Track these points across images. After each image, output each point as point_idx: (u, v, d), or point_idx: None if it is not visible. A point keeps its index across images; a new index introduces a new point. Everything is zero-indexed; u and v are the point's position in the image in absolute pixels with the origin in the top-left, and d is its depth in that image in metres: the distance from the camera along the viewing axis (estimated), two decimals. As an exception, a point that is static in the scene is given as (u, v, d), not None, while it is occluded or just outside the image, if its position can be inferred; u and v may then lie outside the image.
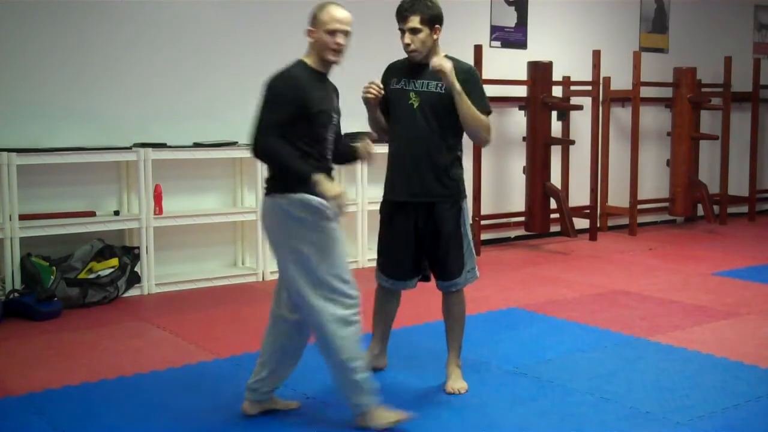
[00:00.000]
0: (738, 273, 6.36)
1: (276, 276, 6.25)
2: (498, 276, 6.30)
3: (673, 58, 8.75)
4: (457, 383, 3.76)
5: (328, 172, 3.32)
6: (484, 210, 7.33)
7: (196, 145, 5.71)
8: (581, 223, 7.85)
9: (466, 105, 3.58)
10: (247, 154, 5.94)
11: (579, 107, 7.53)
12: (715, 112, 8.90)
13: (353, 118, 6.66)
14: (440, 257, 3.71)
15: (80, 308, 5.17)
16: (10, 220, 5.15)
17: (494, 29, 7.58)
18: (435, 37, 3.62)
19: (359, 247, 6.51)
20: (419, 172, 3.66)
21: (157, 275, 5.70)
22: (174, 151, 5.65)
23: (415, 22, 3.57)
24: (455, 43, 6.92)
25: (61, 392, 3.73)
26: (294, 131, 3.20)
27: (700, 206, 8.64)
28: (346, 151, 3.59)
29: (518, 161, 7.63)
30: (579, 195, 8.06)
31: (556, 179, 7.74)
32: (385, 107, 3.82)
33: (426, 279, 3.88)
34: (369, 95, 3.71)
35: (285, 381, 3.53)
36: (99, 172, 5.62)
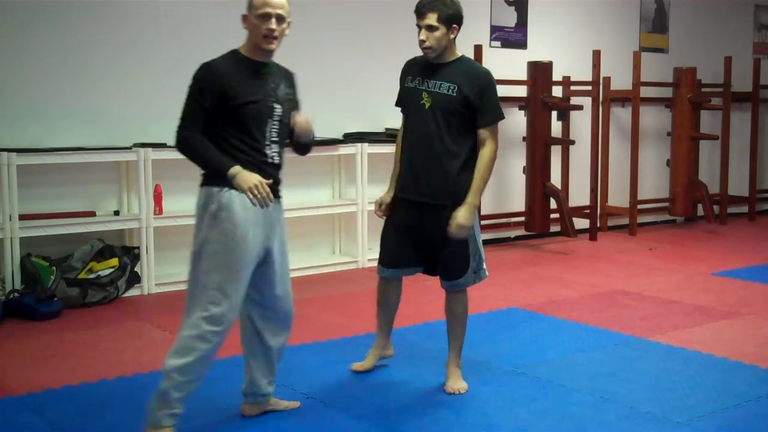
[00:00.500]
0: (738, 273, 6.36)
1: (276, 276, 6.26)
2: (498, 276, 6.30)
3: (673, 58, 8.75)
4: (457, 383, 3.76)
5: (260, 165, 3.14)
6: (484, 210, 7.33)
7: (196, 145, 5.71)
8: (581, 223, 7.85)
9: (476, 186, 3.60)
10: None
11: (579, 107, 7.53)
12: (715, 112, 8.90)
13: (361, 119, 6.73)
14: (444, 257, 3.70)
15: (80, 308, 5.17)
16: (10, 220, 5.15)
17: (494, 29, 7.58)
18: (452, 36, 3.59)
19: (359, 247, 6.51)
20: (427, 173, 3.64)
21: (157, 275, 5.70)
22: (174, 151, 5.56)
23: (432, 19, 3.54)
24: (455, 43, 6.94)
25: (61, 392, 3.74)
26: (220, 124, 3.09)
27: (700, 206, 8.64)
28: (294, 140, 3.40)
29: (518, 161, 7.63)
30: (579, 195, 8.06)
31: (556, 179, 7.74)
32: (401, 104, 3.82)
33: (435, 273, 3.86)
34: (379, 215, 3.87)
35: (277, 381, 3.50)
36: (99, 172, 5.62)
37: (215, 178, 3.09)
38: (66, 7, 5.50)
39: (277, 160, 3.22)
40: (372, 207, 6.43)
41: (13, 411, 3.53)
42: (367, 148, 6.49)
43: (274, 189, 3.18)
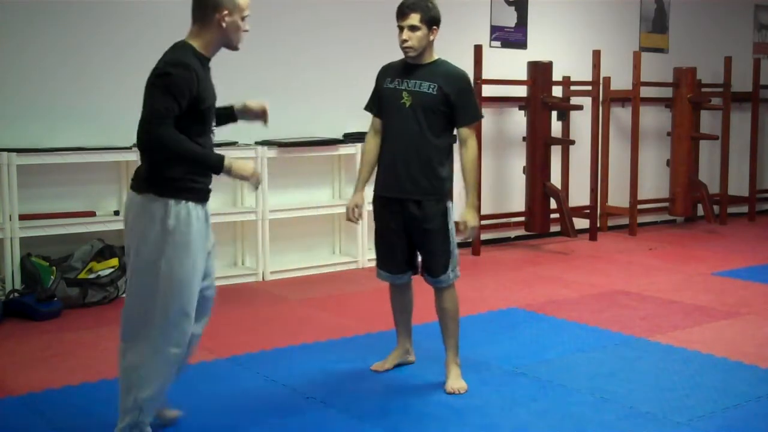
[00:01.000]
0: (738, 273, 6.36)
1: (276, 276, 6.28)
2: (498, 276, 6.30)
3: (673, 58, 8.75)
4: (456, 383, 3.77)
5: (209, 179, 3.12)
6: (484, 210, 7.33)
7: (196, 145, 5.71)
8: (581, 223, 7.85)
9: (473, 187, 3.78)
10: (248, 153, 5.98)
11: (579, 107, 7.53)
12: (715, 112, 8.89)
13: (361, 119, 6.67)
14: (427, 253, 3.79)
15: (80, 308, 5.17)
16: (10, 220, 5.15)
17: (494, 29, 7.58)
18: (431, 38, 3.68)
19: (359, 247, 6.50)
20: (408, 170, 3.71)
21: (157, 275, 5.69)
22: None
23: (414, 19, 3.62)
24: (455, 43, 6.96)
25: (61, 392, 3.74)
26: (184, 125, 2.95)
27: (700, 206, 8.63)
28: (222, 118, 3.31)
29: (518, 161, 7.62)
30: (579, 195, 8.05)
31: (556, 179, 7.74)
32: (380, 107, 3.87)
33: (417, 272, 3.96)
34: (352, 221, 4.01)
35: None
36: (99, 172, 5.62)
37: (169, 188, 2.95)
38: (66, 7, 5.50)
39: None
40: (372, 207, 6.50)
41: (13, 411, 3.53)
42: (367, 148, 6.48)
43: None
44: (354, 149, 6.47)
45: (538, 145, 7.35)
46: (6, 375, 3.99)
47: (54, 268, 5.18)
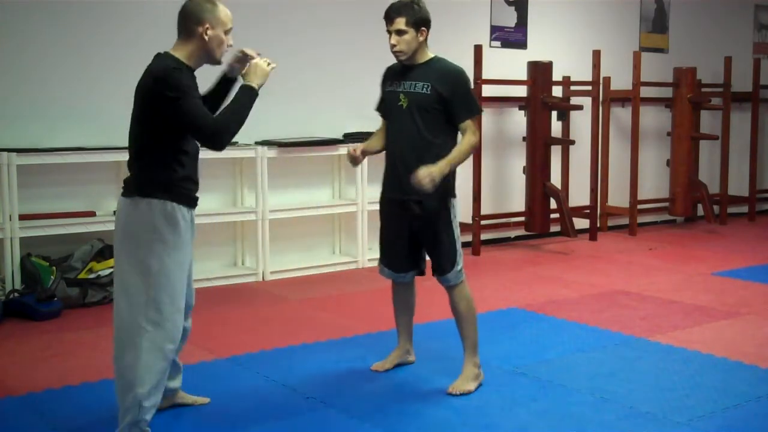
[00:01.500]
0: (738, 273, 6.36)
1: (276, 276, 6.28)
2: (498, 276, 6.30)
3: (673, 58, 8.75)
4: (462, 384, 3.76)
5: (196, 172, 3.19)
6: (484, 210, 7.33)
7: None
8: (581, 223, 7.85)
9: (456, 163, 3.68)
10: (248, 153, 5.98)
11: (579, 107, 7.53)
12: (715, 112, 8.89)
13: (361, 119, 6.71)
14: (432, 252, 3.80)
15: (80, 308, 5.17)
16: (10, 220, 5.15)
17: (494, 29, 7.58)
18: (421, 39, 3.69)
19: (359, 247, 6.50)
20: (408, 170, 3.69)
21: (157, 275, 5.69)
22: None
23: (400, 24, 3.65)
24: (455, 43, 6.96)
25: (61, 392, 3.74)
26: (172, 130, 3.03)
27: (700, 206, 8.63)
28: (220, 85, 3.39)
29: (518, 161, 7.63)
30: (579, 195, 8.05)
31: (556, 179, 7.74)
32: (383, 110, 3.94)
33: (421, 273, 3.96)
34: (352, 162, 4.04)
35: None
36: (99, 172, 5.62)
37: (158, 191, 3.04)
38: (66, 7, 5.50)
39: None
40: (372, 207, 6.49)
41: (13, 411, 3.53)
42: (367, 148, 6.49)
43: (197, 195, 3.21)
44: (354, 149, 6.47)
45: (538, 145, 7.35)
46: (6, 375, 3.99)
47: (54, 268, 5.18)
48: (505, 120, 7.68)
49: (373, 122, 6.68)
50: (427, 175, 3.52)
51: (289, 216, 6.28)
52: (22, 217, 5.21)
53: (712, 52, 8.94)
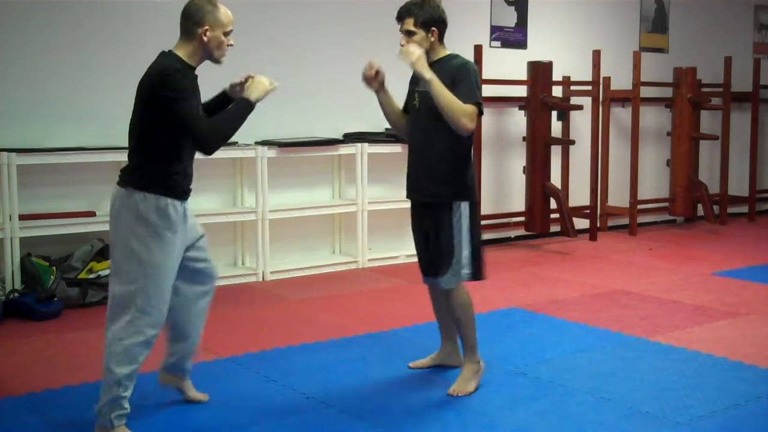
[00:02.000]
0: (738, 273, 6.36)
1: (276, 276, 6.28)
2: (498, 276, 6.30)
3: (673, 58, 8.75)
4: (461, 386, 3.73)
5: (189, 169, 3.28)
6: (484, 210, 7.32)
7: (196, 145, 5.71)
8: (581, 223, 7.85)
9: (436, 91, 3.49)
10: (248, 153, 5.98)
11: (579, 107, 7.53)
12: (715, 112, 8.90)
13: (361, 119, 6.72)
14: (431, 252, 3.75)
15: (80, 308, 5.17)
16: (10, 220, 5.15)
17: (494, 29, 7.58)
18: (432, 39, 3.64)
19: (359, 247, 6.50)
20: (418, 172, 3.72)
21: (157, 275, 5.69)
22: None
23: (409, 24, 3.61)
24: (455, 44, 6.90)
25: (61, 392, 3.74)
26: (171, 135, 3.15)
27: (700, 206, 8.63)
28: (218, 101, 3.49)
29: (518, 161, 7.63)
30: (579, 195, 8.05)
31: (556, 179, 7.74)
32: (406, 109, 3.90)
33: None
34: (368, 83, 3.74)
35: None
36: (99, 172, 5.61)
37: (151, 184, 3.15)
38: (66, 7, 5.50)
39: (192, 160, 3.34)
40: (372, 207, 6.50)
41: (13, 411, 3.53)
42: (367, 148, 6.49)
43: (190, 188, 3.32)
44: (354, 149, 6.48)
45: (538, 145, 7.35)
46: (6, 375, 3.99)
47: (54, 268, 5.18)
48: (505, 120, 7.68)
49: (373, 122, 6.73)
50: (410, 53, 3.47)
51: (289, 216, 6.28)
52: (22, 217, 5.21)
53: (712, 52, 8.94)
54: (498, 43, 7.59)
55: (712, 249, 7.46)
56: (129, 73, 5.74)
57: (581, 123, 7.98)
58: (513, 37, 7.70)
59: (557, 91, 7.69)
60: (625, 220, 8.31)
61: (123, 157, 5.52)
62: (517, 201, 7.71)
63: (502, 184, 7.71)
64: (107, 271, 5.28)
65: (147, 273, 3.14)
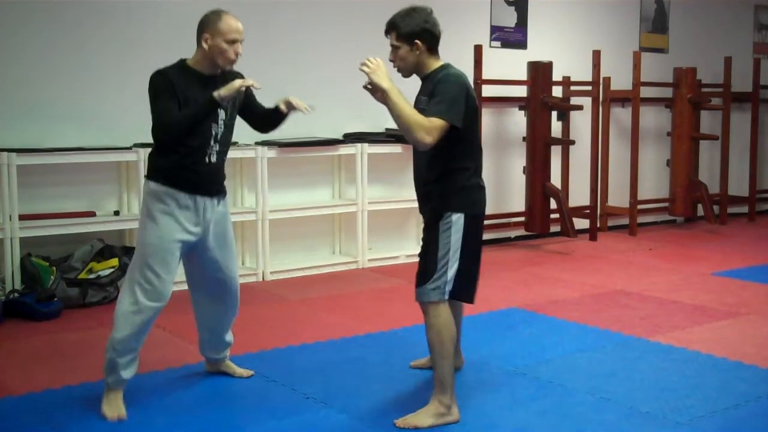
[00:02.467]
0: (738, 273, 6.36)
1: (276, 276, 6.28)
2: (498, 276, 6.30)
3: (673, 58, 8.75)
4: (411, 418, 3.39)
5: (198, 164, 3.51)
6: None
7: (196, 145, 5.71)
8: (581, 223, 7.85)
9: (391, 103, 3.29)
10: (248, 153, 5.98)
11: (579, 107, 7.53)
12: (715, 112, 8.90)
13: (361, 119, 6.73)
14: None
15: (80, 308, 5.17)
16: (10, 220, 5.15)
17: (494, 29, 7.58)
18: (417, 52, 3.44)
19: (359, 247, 6.50)
20: (416, 184, 3.63)
21: (157, 275, 5.69)
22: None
23: (393, 38, 3.49)
24: (455, 43, 6.95)
25: (61, 392, 3.74)
26: None
27: (700, 206, 8.64)
28: (269, 114, 3.81)
29: (518, 161, 7.63)
30: (579, 195, 8.05)
31: (556, 179, 7.74)
32: None
33: (454, 297, 3.59)
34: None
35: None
36: (99, 172, 5.62)
37: (156, 175, 3.51)
38: (66, 7, 5.50)
39: (214, 159, 3.56)
40: (372, 207, 6.50)
41: (13, 411, 3.53)
42: (367, 148, 6.49)
43: (216, 188, 3.61)
44: (354, 149, 6.48)
45: (538, 145, 7.35)
46: (6, 375, 3.99)
47: (54, 268, 5.18)
48: (505, 120, 7.68)
49: (373, 122, 6.74)
50: (368, 64, 3.34)
51: (289, 216, 6.28)
52: (22, 217, 5.21)
53: (712, 52, 8.94)
54: (498, 43, 7.59)
55: (712, 249, 7.46)
56: (129, 74, 5.78)
57: (581, 123, 7.98)
58: (513, 37, 7.70)
59: (557, 91, 7.69)
60: (625, 220, 8.31)
61: (123, 157, 5.61)
62: (517, 201, 7.71)
63: (502, 184, 7.71)
64: (107, 272, 5.31)
65: (143, 251, 3.48)
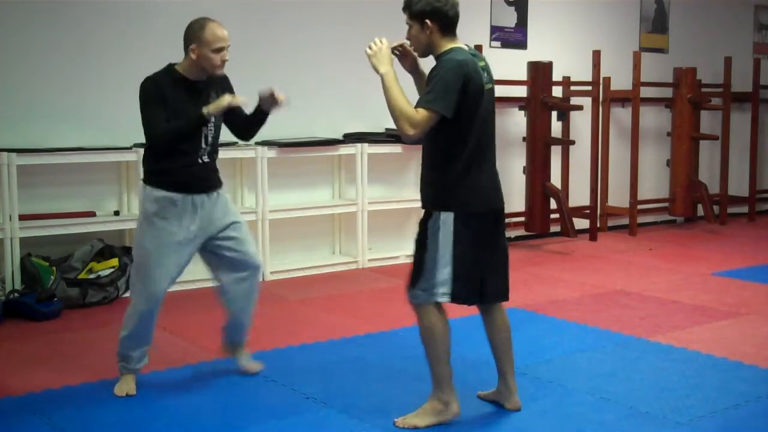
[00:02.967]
0: (738, 273, 6.36)
1: (276, 276, 6.28)
2: (498, 276, 6.29)
3: (673, 58, 8.75)
4: (408, 417, 3.40)
5: (193, 165, 3.64)
6: (484, 210, 7.32)
7: (196, 145, 5.70)
8: (581, 223, 7.85)
9: (384, 88, 3.24)
10: (248, 153, 5.98)
11: (579, 107, 7.53)
12: (715, 112, 8.90)
13: (361, 119, 6.73)
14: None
15: (80, 308, 5.17)
16: (10, 220, 5.15)
17: (494, 29, 7.58)
18: (428, 32, 3.28)
19: (359, 247, 6.50)
20: (420, 174, 3.57)
21: (157, 275, 5.69)
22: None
23: (406, 17, 3.38)
24: (447, 38, 6.93)
25: (61, 392, 3.74)
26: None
27: (700, 206, 8.64)
28: (250, 118, 3.87)
29: (518, 161, 7.63)
30: (579, 195, 8.05)
31: (556, 179, 7.74)
32: None
33: (484, 300, 3.53)
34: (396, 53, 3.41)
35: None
36: (99, 172, 5.62)
37: (148, 178, 3.66)
38: (66, 7, 5.50)
39: (206, 159, 3.69)
40: (372, 207, 6.50)
41: (13, 411, 3.53)
42: (367, 148, 6.49)
43: (210, 183, 3.71)
44: (354, 149, 6.48)
45: (538, 145, 7.35)
46: (6, 375, 3.99)
47: (54, 268, 5.18)
48: (505, 120, 7.67)
49: (373, 122, 6.74)
50: (370, 47, 3.30)
51: (289, 216, 6.28)
52: (22, 217, 5.21)
53: (712, 52, 8.94)
54: (498, 44, 7.59)
55: (712, 249, 7.46)
56: (129, 74, 5.75)
57: (581, 123, 7.98)
58: (513, 38, 7.70)
59: (557, 92, 7.69)
60: (625, 220, 8.31)
61: (123, 157, 5.61)
62: (517, 201, 7.70)
63: (502, 184, 7.68)
64: (107, 272, 5.31)
65: (140, 254, 3.64)
